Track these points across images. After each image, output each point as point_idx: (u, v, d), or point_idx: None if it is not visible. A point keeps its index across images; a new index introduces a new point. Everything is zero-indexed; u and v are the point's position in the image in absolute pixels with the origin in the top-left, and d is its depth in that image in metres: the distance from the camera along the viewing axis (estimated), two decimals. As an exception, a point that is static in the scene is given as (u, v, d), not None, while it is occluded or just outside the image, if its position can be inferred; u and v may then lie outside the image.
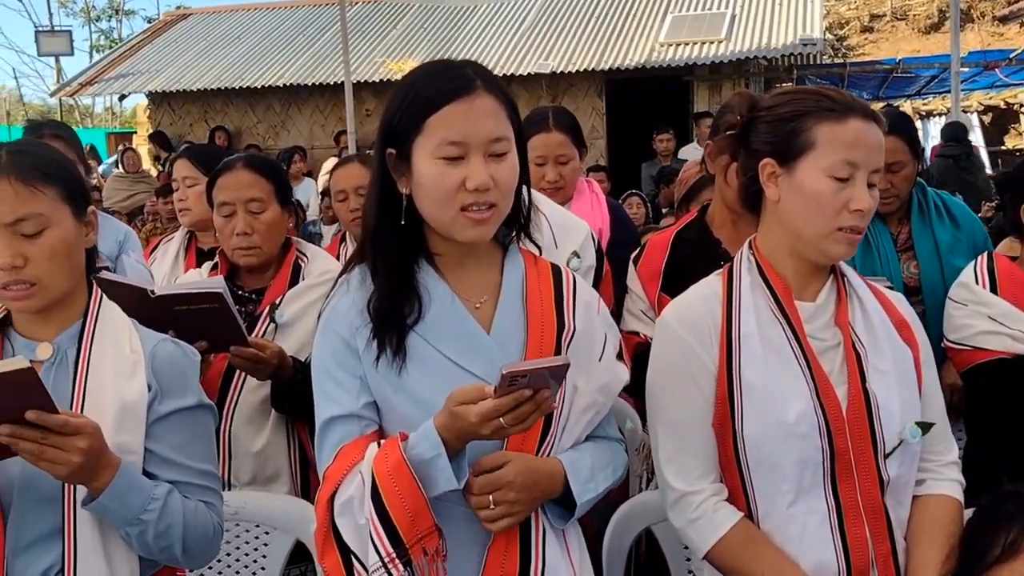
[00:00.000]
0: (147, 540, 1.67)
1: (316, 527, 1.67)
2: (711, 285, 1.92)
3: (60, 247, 1.70)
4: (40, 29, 17.03)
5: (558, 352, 1.71)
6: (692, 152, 10.34)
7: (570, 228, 2.66)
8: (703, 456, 1.85)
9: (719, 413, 1.82)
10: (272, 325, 2.54)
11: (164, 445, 1.75)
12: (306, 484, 2.60)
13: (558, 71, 12.08)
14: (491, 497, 1.63)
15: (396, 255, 1.71)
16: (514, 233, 1.81)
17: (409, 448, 1.57)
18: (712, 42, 12.14)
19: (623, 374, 1.85)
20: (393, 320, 1.67)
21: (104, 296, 1.83)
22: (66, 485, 1.67)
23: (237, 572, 2.40)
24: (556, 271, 1.83)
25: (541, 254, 1.89)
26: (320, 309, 2.55)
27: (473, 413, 1.51)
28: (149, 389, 1.74)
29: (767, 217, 1.88)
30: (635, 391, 2.15)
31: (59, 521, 1.68)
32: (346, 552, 1.61)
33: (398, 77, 12.27)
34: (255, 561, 2.41)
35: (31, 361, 1.52)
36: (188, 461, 1.77)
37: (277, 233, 2.65)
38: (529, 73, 12.09)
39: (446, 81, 1.64)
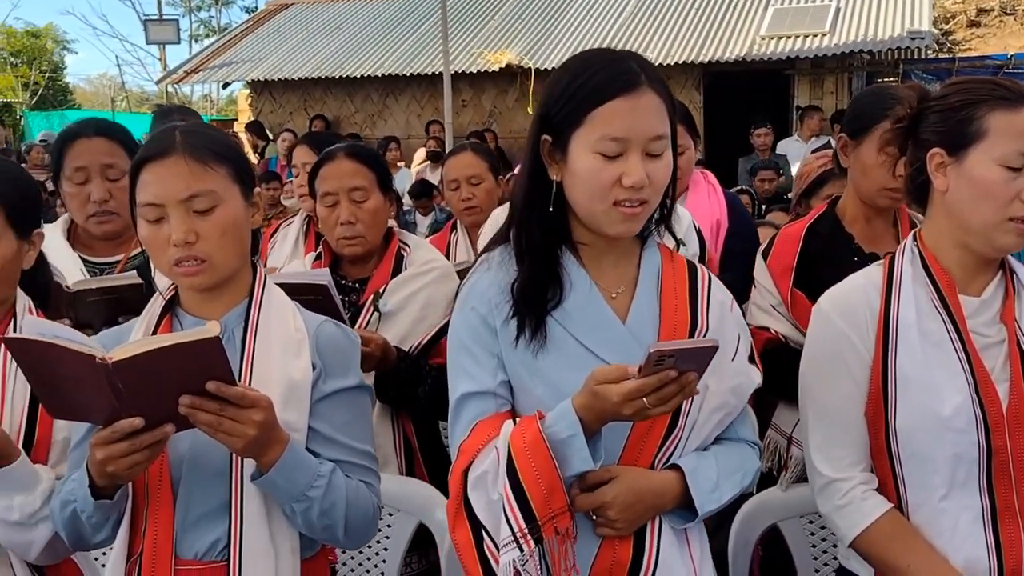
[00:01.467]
0: (311, 518, 1.69)
1: (449, 500, 1.69)
2: (870, 275, 1.89)
3: (230, 225, 1.72)
4: (148, 18, 17.53)
5: None
6: (791, 146, 10.18)
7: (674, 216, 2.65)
8: (854, 444, 1.84)
9: (872, 402, 1.81)
10: (376, 315, 2.56)
11: (327, 424, 1.76)
12: (411, 471, 2.63)
13: (656, 63, 11.89)
14: (592, 514, 1.65)
15: (541, 241, 1.72)
16: (654, 226, 1.80)
17: (546, 426, 1.58)
18: (815, 35, 11.89)
19: (756, 376, 1.83)
20: (535, 304, 1.68)
21: (267, 276, 1.86)
22: (234, 461, 1.70)
23: (360, 551, 2.43)
24: (692, 268, 1.82)
25: (678, 248, 1.88)
26: (426, 297, 2.63)
27: (615, 392, 1.51)
28: (313, 368, 1.75)
29: (933, 209, 1.84)
30: (766, 390, 2.13)
31: (227, 496, 1.70)
32: (477, 526, 1.63)
33: (495, 68, 12.44)
34: (378, 542, 2.44)
35: None
36: (349, 440, 1.78)
37: (380, 222, 2.66)
38: (628, 65, 11.99)
39: (612, 75, 1.63)
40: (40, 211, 2.04)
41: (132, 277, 2.39)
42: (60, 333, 1.54)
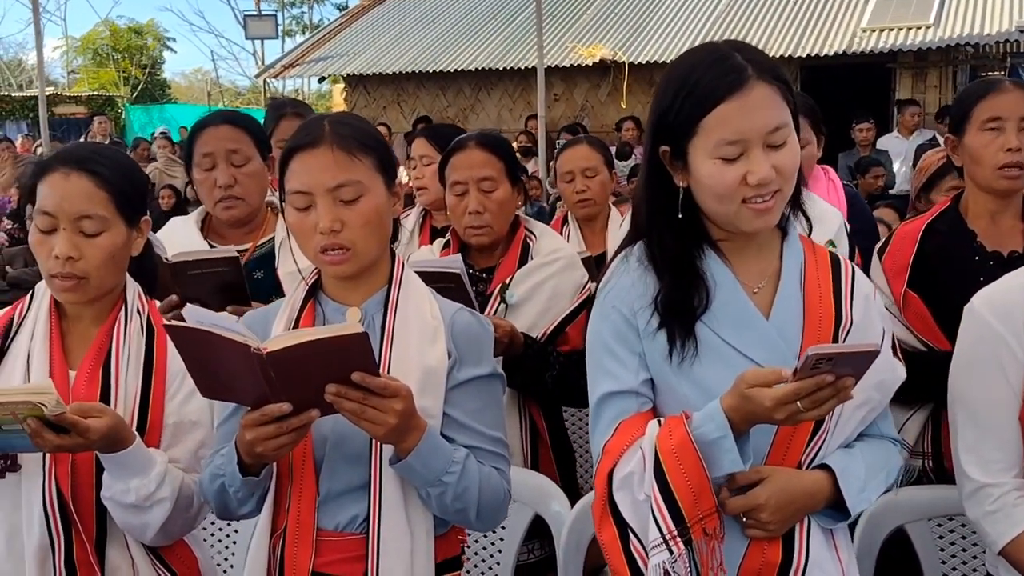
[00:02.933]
0: (445, 501, 1.72)
1: (594, 500, 1.69)
2: None
3: (373, 215, 1.75)
4: (248, 14, 17.92)
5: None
6: (892, 143, 9.95)
7: (824, 216, 2.60)
8: (1006, 449, 1.79)
9: None
10: (503, 304, 2.58)
11: (461, 411, 1.79)
12: (535, 460, 2.64)
13: (752, 58, 11.76)
14: (742, 516, 1.64)
15: (677, 247, 1.70)
16: (788, 213, 1.76)
17: (694, 427, 1.57)
18: (918, 27, 11.61)
19: (900, 371, 1.79)
20: (682, 315, 1.66)
21: (406, 264, 1.90)
22: (373, 444, 1.74)
23: (476, 540, 2.45)
24: (835, 260, 1.78)
25: (811, 230, 1.85)
26: (552, 287, 2.63)
27: (768, 397, 1.49)
28: (449, 356, 1.78)
29: None
30: None
31: (366, 477, 1.75)
32: (623, 526, 1.63)
33: (588, 62, 12.41)
34: (494, 531, 2.46)
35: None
36: (482, 427, 1.80)
37: (508, 211, 2.67)
38: (722, 59, 11.84)
39: (716, 77, 1.59)
40: (147, 200, 2.10)
41: (228, 251, 2.46)
42: (218, 322, 1.58)
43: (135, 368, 1.96)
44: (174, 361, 1.97)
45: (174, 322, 1.62)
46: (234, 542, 2.58)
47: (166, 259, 2.33)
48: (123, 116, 23.44)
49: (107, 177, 1.92)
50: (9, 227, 10.04)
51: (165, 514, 1.89)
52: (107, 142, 14.48)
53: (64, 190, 1.90)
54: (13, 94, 25.86)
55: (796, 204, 1.75)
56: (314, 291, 1.87)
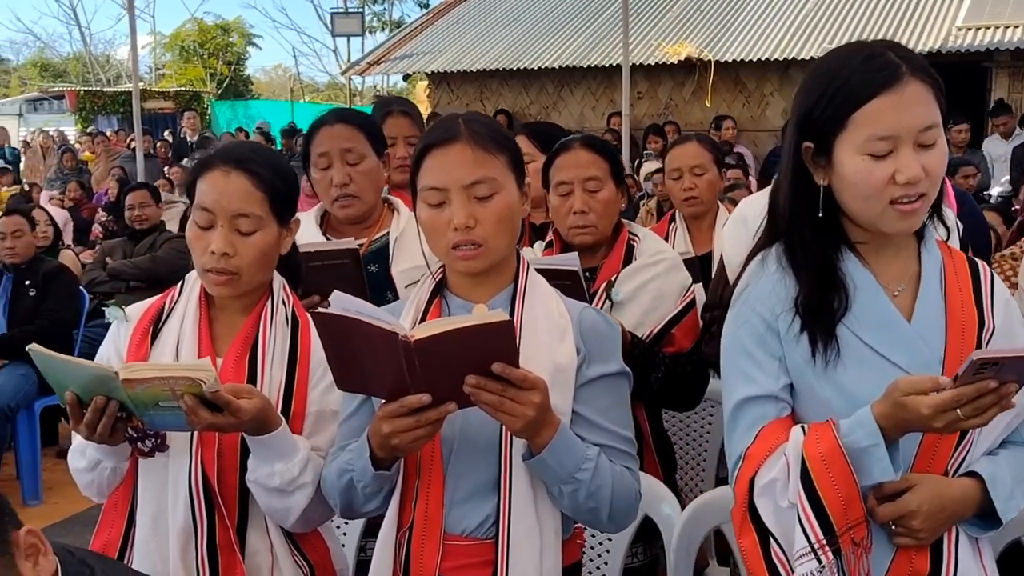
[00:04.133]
0: (578, 500, 1.71)
1: (734, 506, 1.67)
2: None
3: (506, 212, 1.77)
4: (335, 12, 18.16)
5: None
6: (992, 144, 9.70)
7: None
8: None
9: None
10: (608, 302, 2.57)
11: (590, 408, 1.78)
12: (640, 462, 2.62)
13: (841, 56, 11.53)
14: (892, 524, 1.60)
15: (817, 247, 1.67)
16: (927, 218, 1.72)
17: (843, 435, 1.54)
18: (1016, 26, 11.27)
19: None
20: (823, 317, 1.64)
21: (530, 262, 1.90)
22: (503, 441, 1.74)
23: (584, 541, 2.45)
24: (972, 264, 1.75)
25: (949, 237, 1.81)
26: (657, 288, 2.62)
27: (925, 404, 1.46)
28: (578, 353, 1.78)
29: None
30: None
31: (495, 474, 1.75)
32: (764, 533, 1.61)
33: (673, 60, 12.30)
34: (608, 539, 2.45)
35: None
36: (611, 426, 1.80)
37: (612, 212, 2.68)
38: (812, 57, 11.61)
39: (871, 71, 1.57)
40: (296, 200, 2.13)
41: (348, 243, 2.49)
42: (363, 310, 1.59)
43: (280, 357, 2.00)
44: (317, 351, 2.01)
45: (321, 310, 1.64)
46: (344, 533, 2.61)
47: None
48: (209, 112, 23.93)
49: (264, 177, 1.96)
50: (104, 219, 10.34)
51: (307, 500, 1.92)
52: (196, 137, 14.79)
53: (224, 188, 1.94)
54: (104, 89, 26.50)
55: (937, 209, 1.72)
56: (440, 288, 1.88)
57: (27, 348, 1.83)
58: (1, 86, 43.36)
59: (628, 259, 2.66)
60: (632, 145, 9.99)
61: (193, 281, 2.06)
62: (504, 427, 1.72)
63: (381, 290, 2.56)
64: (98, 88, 27.01)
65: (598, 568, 2.45)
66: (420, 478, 1.78)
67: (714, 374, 2.77)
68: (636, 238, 2.73)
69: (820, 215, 1.66)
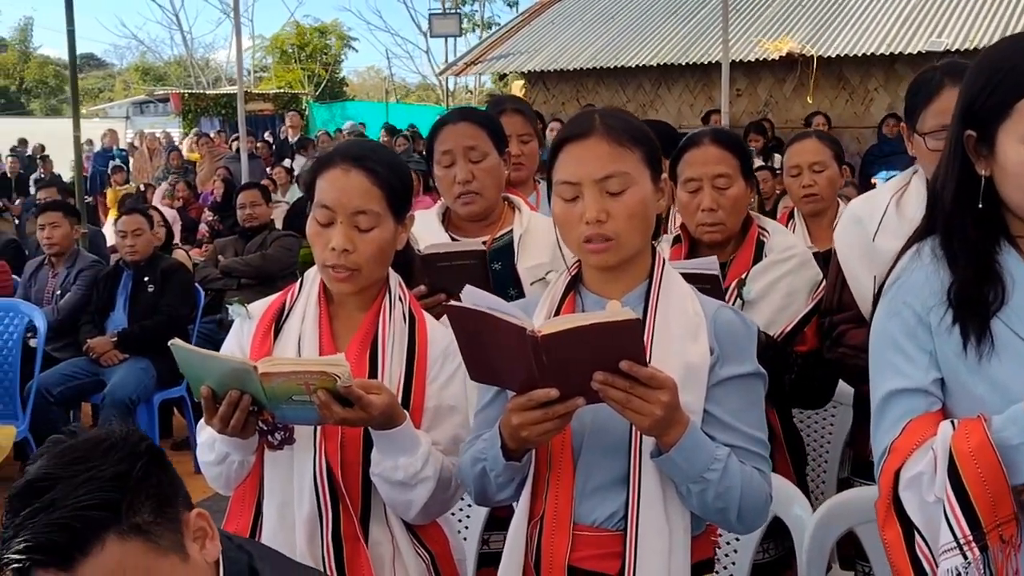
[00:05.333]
0: (707, 499, 1.70)
1: (878, 499, 1.64)
2: None
3: (639, 207, 1.76)
4: (433, 12, 18.36)
5: None
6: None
7: None
8: None
9: None
10: (739, 300, 2.54)
11: (722, 409, 1.77)
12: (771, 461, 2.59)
13: (952, 48, 11.18)
14: None
15: (976, 239, 1.62)
16: None
17: (995, 431, 1.50)
18: None
19: None
20: (977, 308, 1.59)
21: (666, 259, 1.89)
22: (633, 436, 1.74)
23: (719, 537, 2.42)
24: None
25: None
26: (788, 284, 2.57)
27: None
28: (711, 352, 1.76)
29: None
30: None
31: (624, 470, 1.75)
32: (908, 526, 1.57)
33: (774, 56, 12.10)
34: (736, 538, 2.42)
35: None
36: (744, 427, 1.78)
37: (741, 209, 2.65)
38: (919, 52, 11.34)
39: None
40: (412, 196, 2.15)
41: (474, 243, 2.50)
42: (493, 304, 1.61)
43: (399, 353, 2.02)
44: (434, 347, 2.04)
45: (454, 303, 1.66)
46: (466, 527, 2.63)
47: (418, 250, 2.40)
48: (307, 113, 24.38)
49: (382, 175, 1.99)
50: (210, 219, 10.61)
51: (428, 493, 1.95)
52: (297, 137, 15.09)
53: (343, 185, 1.97)
54: (207, 92, 27.20)
55: None
56: (575, 283, 1.88)
57: (169, 343, 1.88)
58: (106, 90, 44.89)
59: (758, 255, 2.63)
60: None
61: (312, 278, 2.10)
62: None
63: (504, 287, 2.57)
64: (200, 91, 27.74)
65: (725, 568, 2.42)
66: (551, 470, 1.80)
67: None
68: (766, 233, 2.69)
69: (980, 206, 1.61)
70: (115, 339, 5.47)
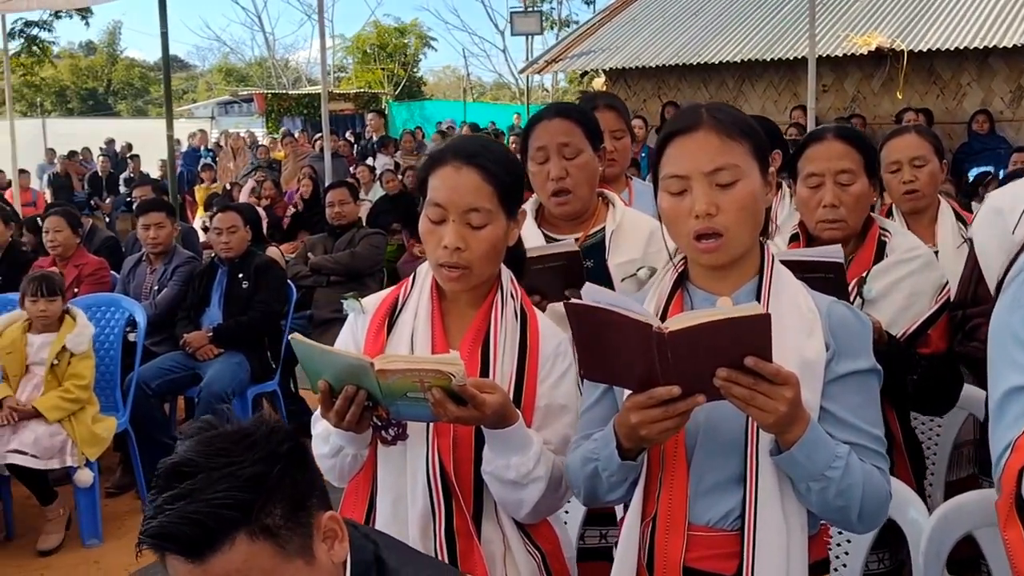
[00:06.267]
0: (827, 497, 1.67)
1: (999, 498, 1.58)
2: None
3: (749, 200, 1.74)
4: (515, 11, 18.39)
5: None
6: None
7: None
8: None
9: None
10: (860, 299, 2.49)
11: (839, 405, 1.74)
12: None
13: (1046, 42, 10.87)
14: None
15: None
16: None
17: None
18: None
19: None
20: None
21: (775, 256, 1.86)
22: (749, 434, 1.72)
23: (831, 538, 2.38)
24: None
25: None
26: (911, 285, 2.51)
27: None
28: (827, 348, 1.73)
29: None
30: None
31: (740, 468, 1.73)
32: None
33: (862, 51, 11.86)
34: (840, 533, 2.38)
35: None
36: (862, 424, 1.75)
37: (863, 207, 2.60)
38: (1014, 45, 11.00)
39: None
40: (523, 192, 2.13)
41: (569, 245, 2.48)
42: (614, 301, 1.60)
43: (511, 350, 2.02)
44: (546, 345, 2.03)
45: (574, 300, 1.65)
46: (564, 523, 2.62)
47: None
48: (386, 112, 24.64)
49: (494, 172, 1.98)
50: (291, 214, 10.80)
51: (539, 493, 1.94)
52: (377, 137, 15.26)
53: (455, 183, 1.96)
54: (289, 92, 27.64)
55: None
56: (682, 280, 1.86)
57: (289, 338, 1.92)
58: (189, 91, 45.92)
59: (879, 255, 2.58)
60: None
61: (425, 273, 2.10)
62: (750, 420, 1.70)
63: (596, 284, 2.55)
64: (282, 91, 28.20)
65: (837, 571, 2.38)
66: (664, 469, 1.78)
67: (966, 374, 2.65)
68: (887, 233, 2.65)
69: None
70: (211, 334, 5.59)
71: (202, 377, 5.45)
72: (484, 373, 1.98)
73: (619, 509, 2.52)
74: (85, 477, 4.68)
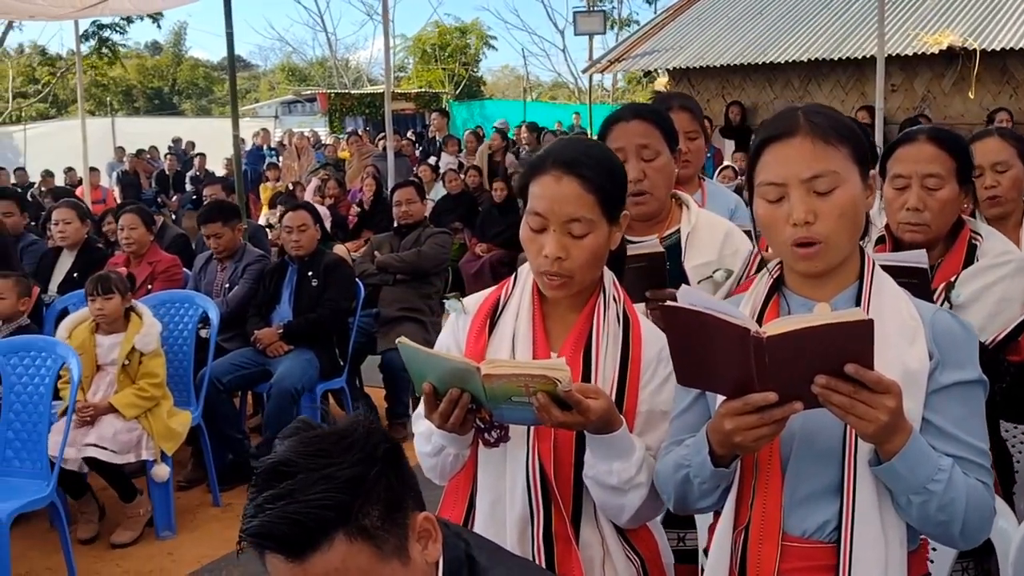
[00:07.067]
0: (928, 511, 1.63)
1: None
2: None
3: (849, 207, 1.70)
4: (578, 10, 18.34)
5: None
6: None
7: None
8: None
9: None
10: (947, 304, 2.44)
11: (942, 417, 1.69)
12: None
13: None
14: None
15: None
16: None
17: None
18: None
19: None
20: None
21: (876, 262, 1.82)
22: (847, 443, 1.69)
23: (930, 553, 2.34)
24: None
25: None
26: (1002, 291, 2.45)
27: None
28: (930, 357, 1.69)
29: None
30: None
31: (837, 478, 1.70)
32: None
33: (933, 50, 11.65)
34: (933, 548, 2.34)
35: None
36: (965, 436, 1.70)
37: (949, 212, 2.54)
38: (1092, 44, 10.75)
39: None
40: (625, 195, 2.11)
41: (654, 246, 2.45)
42: (710, 304, 1.58)
43: (613, 355, 2.00)
44: (648, 350, 2.01)
45: (671, 303, 1.63)
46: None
47: None
48: (447, 112, 24.76)
49: (594, 180, 1.94)
50: (357, 214, 10.89)
51: (641, 499, 1.92)
52: (441, 136, 15.32)
53: (555, 193, 1.94)
54: (351, 91, 27.88)
55: None
56: (778, 285, 1.83)
57: (396, 341, 1.93)
58: (252, 91, 46.59)
59: (969, 259, 2.54)
60: (885, 140, 9.53)
61: (526, 275, 2.09)
62: (848, 429, 1.66)
63: (673, 287, 2.53)
64: (344, 91, 28.46)
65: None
66: (757, 477, 1.75)
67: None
68: (978, 237, 2.60)
69: None
70: (281, 331, 5.65)
71: (272, 373, 5.52)
72: (586, 377, 1.96)
73: (699, 516, 2.51)
74: (162, 472, 4.76)
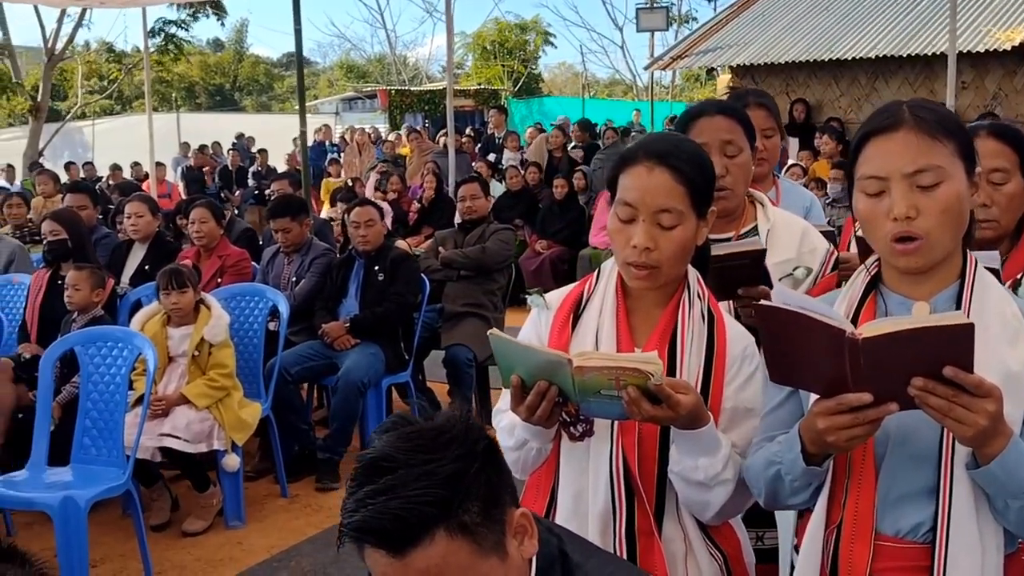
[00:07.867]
0: None
1: None
2: None
3: (953, 203, 1.67)
4: (641, 7, 18.27)
5: None
6: None
7: None
8: None
9: None
10: None
11: None
12: None
13: None
14: None
15: None
16: None
17: None
18: None
19: None
20: None
21: (979, 260, 1.78)
22: (944, 445, 1.66)
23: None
24: None
25: None
26: None
27: None
28: None
29: None
30: None
31: (932, 480, 1.67)
32: None
33: (1005, 47, 11.40)
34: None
35: None
36: None
37: (1017, 207, 2.48)
38: None
39: None
40: (714, 190, 2.09)
41: (755, 243, 2.42)
42: (806, 304, 1.56)
43: (698, 351, 1.99)
44: (734, 347, 2.00)
45: (765, 303, 1.62)
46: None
47: None
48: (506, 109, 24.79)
49: (686, 172, 1.95)
50: (417, 210, 10.95)
51: (726, 495, 1.92)
52: (500, 133, 15.35)
53: (646, 184, 1.95)
54: (411, 88, 28.04)
55: None
56: (875, 283, 1.80)
57: (488, 333, 1.94)
58: (311, 87, 47.05)
59: None
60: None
61: (609, 270, 2.09)
62: (946, 431, 1.63)
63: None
64: (403, 87, 28.64)
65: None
66: (851, 476, 1.73)
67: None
68: None
69: None
70: (348, 324, 5.70)
71: (339, 366, 5.57)
72: (671, 373, 1.96)
73: (779, 514, 2.48)
74: (232, 462, 4.84)
